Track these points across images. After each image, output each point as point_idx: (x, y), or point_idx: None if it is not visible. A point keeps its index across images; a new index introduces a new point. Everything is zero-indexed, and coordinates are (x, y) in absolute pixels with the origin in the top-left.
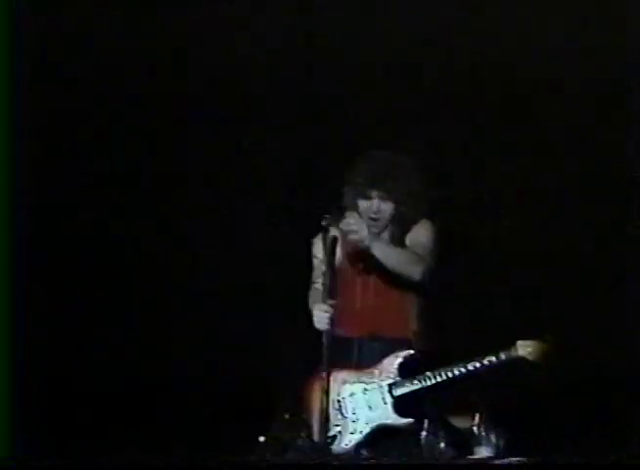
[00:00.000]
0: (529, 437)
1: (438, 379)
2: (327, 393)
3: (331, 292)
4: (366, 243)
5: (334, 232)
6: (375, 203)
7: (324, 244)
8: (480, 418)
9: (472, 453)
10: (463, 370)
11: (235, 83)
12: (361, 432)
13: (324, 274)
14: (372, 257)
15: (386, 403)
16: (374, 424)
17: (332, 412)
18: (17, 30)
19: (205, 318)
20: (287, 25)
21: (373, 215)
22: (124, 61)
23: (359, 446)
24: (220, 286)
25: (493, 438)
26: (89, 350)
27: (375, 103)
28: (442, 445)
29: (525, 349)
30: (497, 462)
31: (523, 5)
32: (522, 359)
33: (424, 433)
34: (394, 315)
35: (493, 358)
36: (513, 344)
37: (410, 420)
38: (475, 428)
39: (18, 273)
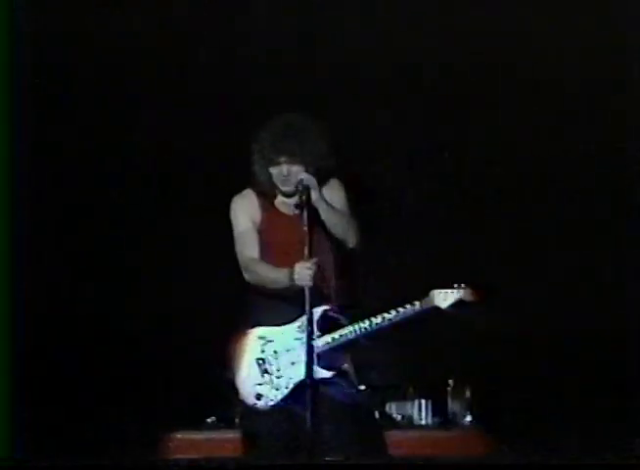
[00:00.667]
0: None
1: (357, 332)
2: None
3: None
4: (313, 198)
5: (249, 194)
6: (284, 168)
7: (300, 198)
8: (455, 373)
9: (446, 408)
10: (380, 321)
11: (235, 83)
12: (286, 387)
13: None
14: (298, 215)
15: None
16: (297, 379)
17: (255, 371)
18: (17, 30)
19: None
20: (287, 26)
21: (284, 179)
22: (124, 61)
23: (284, 401)
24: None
25: (468, 394)
26: (89, 349)
27: (375, 103)
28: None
29: (439, 298)
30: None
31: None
32: (436, 309)
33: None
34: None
35: (408, 308)
36: (427, 294)
37: (333, 373)
38: (450, 381)
39: (18, 273)
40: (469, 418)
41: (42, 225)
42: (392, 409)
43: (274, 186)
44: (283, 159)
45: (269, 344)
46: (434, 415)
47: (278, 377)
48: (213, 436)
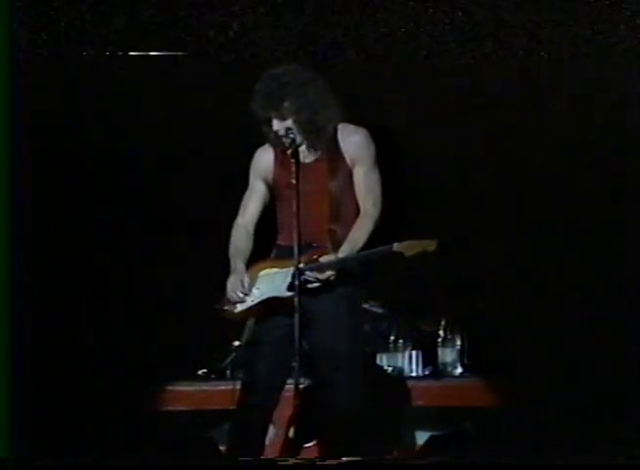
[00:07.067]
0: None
1: (332, 268)
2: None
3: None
4: (334, 270)
5: (268, 148)
6: (275, 123)
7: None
8: (447, 322)
9: (437, 356)
10: (350, 261)
11: (235, 84)
12: (252, 300)
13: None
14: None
15: (284, 283)
16: (266, 296)
17: (247, 286)
18: (17, 30)
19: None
20: (287, 25)
21: (280, 133)
22: (125, 63)
23: (248, 310)
24: None
25: (458, 341)
26: (89, 349)
27: (376, 103)
28: (410, 347)
29: (405, 246)
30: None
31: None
32: (399, 254)
33: (392, 337)
34: (319, 224)
35: (375, 250)
36: (400, 240)
37: (292, 293)
38: (440, 331)
39: (18, 273)
40: (460, 369)
41: (42, 225)
42: (383, 361)
43: (280, 137)
44: (271, 114)
45: (266, 270)
46: (424, 366)
47: (254, 292)
48: (204, 388)
